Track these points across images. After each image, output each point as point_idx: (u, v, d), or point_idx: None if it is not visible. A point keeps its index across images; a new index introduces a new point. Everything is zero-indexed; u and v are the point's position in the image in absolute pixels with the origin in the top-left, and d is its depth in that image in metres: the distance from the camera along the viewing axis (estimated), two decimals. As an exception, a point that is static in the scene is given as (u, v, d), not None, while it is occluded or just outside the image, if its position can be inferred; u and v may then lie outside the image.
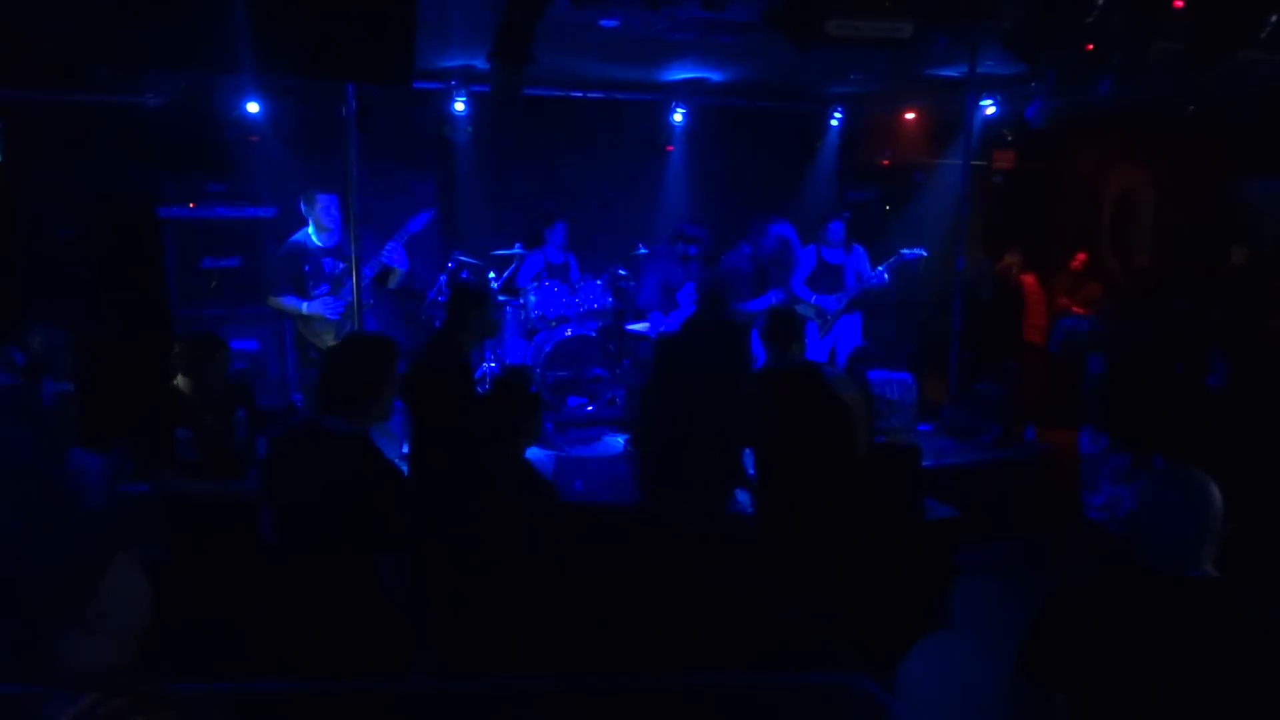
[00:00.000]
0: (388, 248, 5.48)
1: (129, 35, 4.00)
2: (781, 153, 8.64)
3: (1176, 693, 1.85)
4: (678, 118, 8.10)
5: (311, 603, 2.63)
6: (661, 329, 6.82)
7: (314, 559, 2.63)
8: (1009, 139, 8.31)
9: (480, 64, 5.60)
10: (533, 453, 6.35)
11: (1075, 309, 8.01)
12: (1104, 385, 5.39)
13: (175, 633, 1.67)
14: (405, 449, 5.79)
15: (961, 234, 6.71)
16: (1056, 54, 5.46)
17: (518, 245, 7.47)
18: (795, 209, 8.69)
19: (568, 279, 7.34)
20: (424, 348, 4.08)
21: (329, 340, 5.43)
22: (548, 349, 6.91)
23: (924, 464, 4.96)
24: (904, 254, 6.77)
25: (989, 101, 7.63)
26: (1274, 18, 4.83)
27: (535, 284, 7.10)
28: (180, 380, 3.78)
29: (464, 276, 7.30)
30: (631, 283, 7.60)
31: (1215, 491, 1.99)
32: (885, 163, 8.67)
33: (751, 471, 5.33)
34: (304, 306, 5.43)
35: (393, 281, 5.71)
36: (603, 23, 5.39)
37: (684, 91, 7.93)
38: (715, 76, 7.60)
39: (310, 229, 5.55)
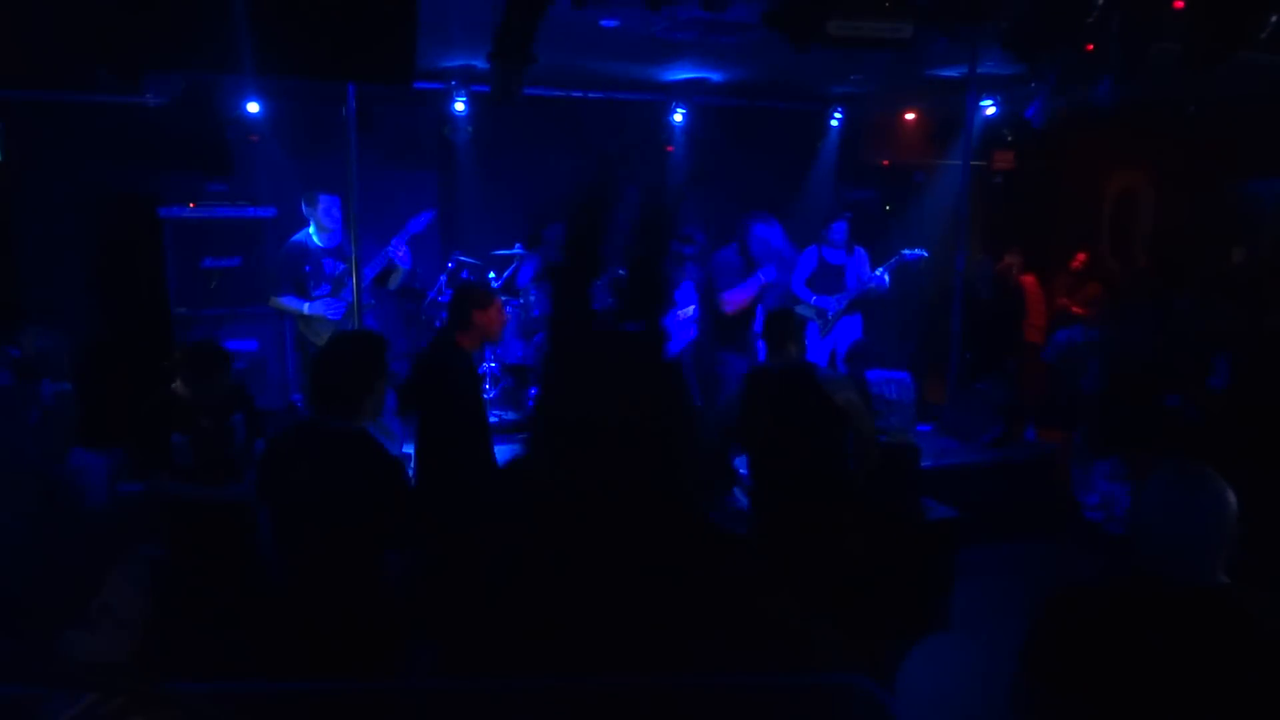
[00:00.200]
0: (393, 244, 5.48)
1: (129, 35, 4.00)
2: (781, 153, 8.63)
3: (1190, 708, 1.77)
4: (678, 118, 8.10)
5: (318, 603, 2.63)
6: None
7: (320, 558, 2.63)
8: (1009, 139, 8.30)
9: (480, 64, 5.59)
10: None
11: (1075, 309, 8.01)
12: (1103, 392, 5.37)
13: (175, 633, 1.67)
14: (405, 449, 5.81)
15: (961, 234, 6.71)
16: (1056, 54, 5.46)
17: (518, 245, 7.47)
18: (795, 209, 8.68)
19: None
20: (428, 349, 4.05)
21: (329, 340, 5.44)
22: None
23: (924, 464, 4.97)
24: (905, 254, 6.76)
25: (989, 101, 7.62)
26: (1274, 18, 4.83)
27: (535, 284, 7.10)
28: (178, 384, 3.76)
29: (464, 276, 7.31)
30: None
31: (1230, 495, 1.88)
32: (885, 163, 8.66)
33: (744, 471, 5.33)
34: (305, 307, 5.43)
35: (395, 281, 5.71)
36: (603, 23, 5.39)
37: (684, 91, 7.92)
38: (715, 76, 7.59)
39: (311, 229, 5.55)
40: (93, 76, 6.20)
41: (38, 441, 4.24)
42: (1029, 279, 8.17)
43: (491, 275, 7.38)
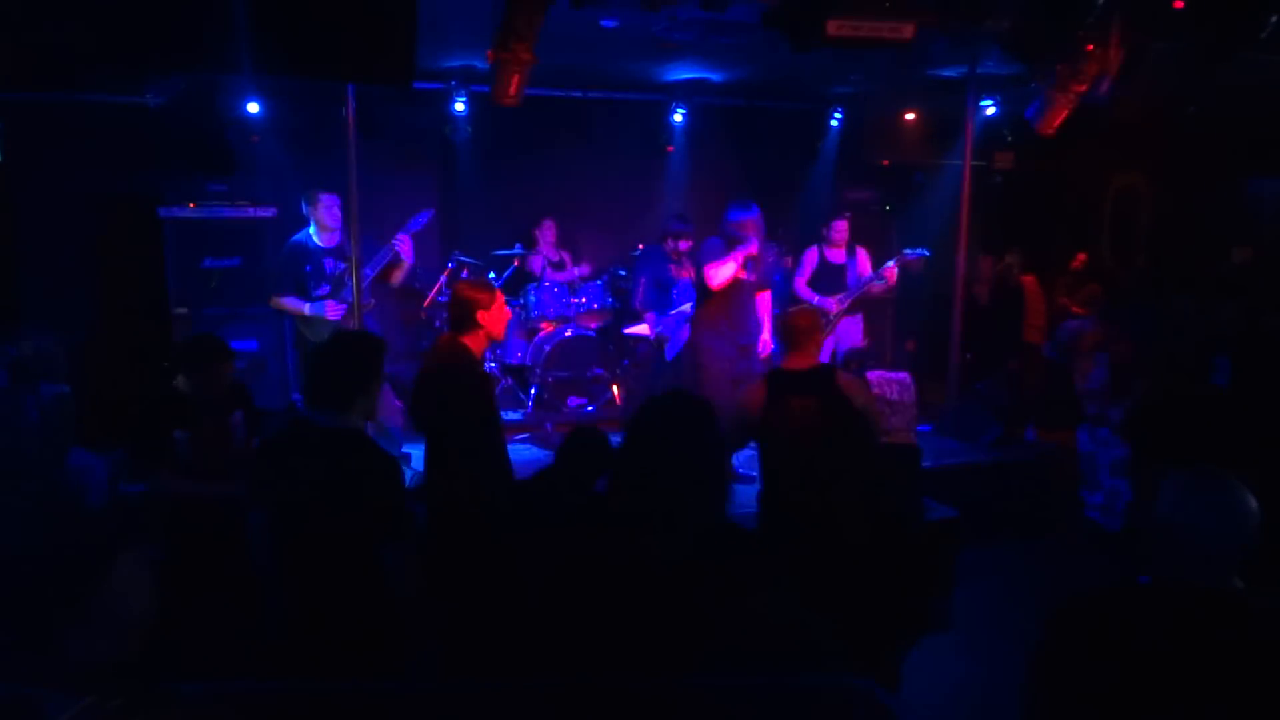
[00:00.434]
0: (397, 239, 5.48)
1: (129, 35, 4.00)
2: (781, 153, 8.63)
3: (1208, 715, 1.74)
4: (678, 118, 8.10)
5: (311, 600, 2.63)
6: (659, 330, 6.81)
7: (312, 556, 2.63)
8: (1009, 139, 8.30)
9: (480, 64, 5.60)
10: (533, 453, 6.39)
11: (1075, 309, 8.00)
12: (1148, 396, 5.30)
13: (176, 632, 1.67)
14: (405, 449, 5.81)
15: (961, 234, 6.70)
16: (1056, 54, 5.46)
17: (518, 245, 7.48)
18: (795, 209, 8.69)
19: (566, 274, 7.36)
20: (431, 358, 3.93)
21: (330, 340, 5.44)
22: (548, 349, 6.91)
23: (924, 464, 4.96)
24: (906, 253, 6.76)
25: (989, 101, 7.62)
26: (1274, 18, 4.83)
27: (535, 284, 7.11)
28: (181, 381, 3.77)
29: (464, 276, 7.31)
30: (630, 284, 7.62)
31: (1251, 500, 1.86)
32: (885, 163, 8.66)
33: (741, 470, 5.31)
34: (306, 308, 5.43)
35: (399, 278, 5.71)
36: (603, 23, 5.39)
37: (684, 91, 7.93)
38: (715, 76, 7.60)
39: (311, 229, 5.55)
40: (93, 76, 6.20)
41: (35, 443, 4.24)
42: (1029, 279, 8.17)
43: (491, 275, 7.39)
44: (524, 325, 7.16)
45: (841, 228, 6.85)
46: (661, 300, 6.80)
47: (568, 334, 6.98)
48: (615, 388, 7.30)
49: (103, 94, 6.34)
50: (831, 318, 6.82)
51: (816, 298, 6.82)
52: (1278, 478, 2.31)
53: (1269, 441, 4.05)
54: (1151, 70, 5.26)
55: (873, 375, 5.75)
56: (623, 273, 7.70)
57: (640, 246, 7.73)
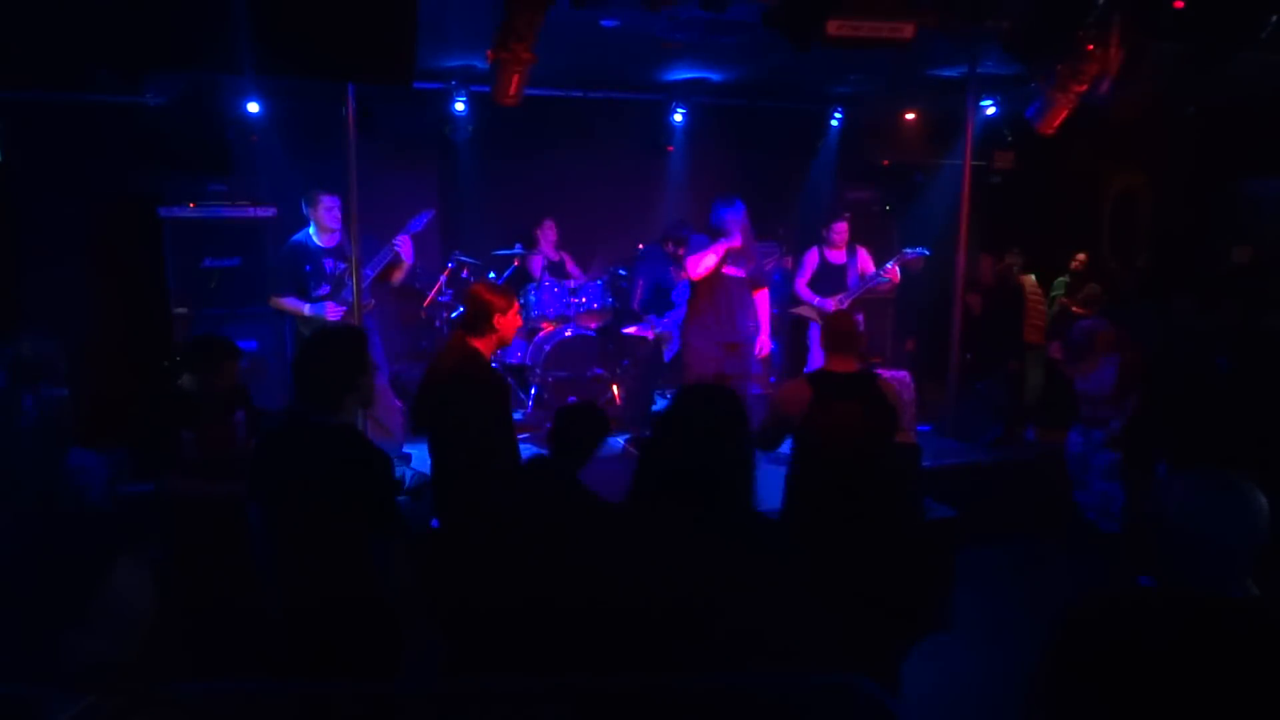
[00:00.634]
0: (397, 239, 5.48)
1: (129, 35, 4.00)
2: (781, 153, 8.63)
3: None
4: (678, 118, 8.10)
5: (305, 596, 2.63)
6: (659, 330, 6.82)
7: (304, 553, 2.63)
8: (1009, 139, 8.30)
9: (480, 64, 5.60)
10: (533, 452, 6.38)
11: (1075, 309, 8.00)
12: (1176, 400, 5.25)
13: (177, 632, 1.67)
14: (405, 449, 5.81)
15: (961, 234, 6.71)
16: (1056, 54, 5.46)
17: (518, 245, 7.48)
18: (795, 209, 8.69)
19: (565, 276, 7.36)
20: (443, 359, 3.89)
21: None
22: (548, 349, 6.91)
23: (924, 464, 4.97)
24: (907, 253, 6.76)
25: (989, 101, 7.62)
26: (1274, 18, 4.83)
27: (535, 284, 7.11)
28: (186, 380, 3.78)
29: (464, 277, 7.31)
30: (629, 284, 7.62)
31: (1263, 502, 1.80)
32: (885, 163, 8.66)
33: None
34: (306, 308, 5.43)
35: (399, 278, 5.71)
36: (603, 23, 5.39)
37: (684, 91, 7.93)
38: (715, 76, 7.60)
39: (311, 229, 5.55)
40: (93, 76, 6.20)
41: (35, 444, 4.25)
42: (1028, 279, 8.17)
43: (491, 275, 7.39)
44: (524, 325, 7.17)
45: (842, 229, 6.85)
46: (661, 302, 6.81)
47: (568, 334, 6.99)
48: (615, 388, 7.31)
49: (103, 94, 6.34)
50: (832, 318, 6.82)
51: (817, 299, 6.82)
52: (1277, 477, 2.30)
53: (1269, 442, 4.05)
54: (1151, 70, 5.26)
55: (873, 375, 5.76)
56: (623, 273, 7.71)
57: (640, 246, 7.74)
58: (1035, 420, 7.12)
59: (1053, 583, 5.19)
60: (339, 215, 5.47)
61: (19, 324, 4.77)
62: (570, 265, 7.61)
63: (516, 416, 6.87)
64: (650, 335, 7.17)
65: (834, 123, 8.67)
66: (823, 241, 6.92)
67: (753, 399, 5.90)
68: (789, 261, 7.70)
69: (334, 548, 2.62)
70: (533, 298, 7.04)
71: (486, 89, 5.61)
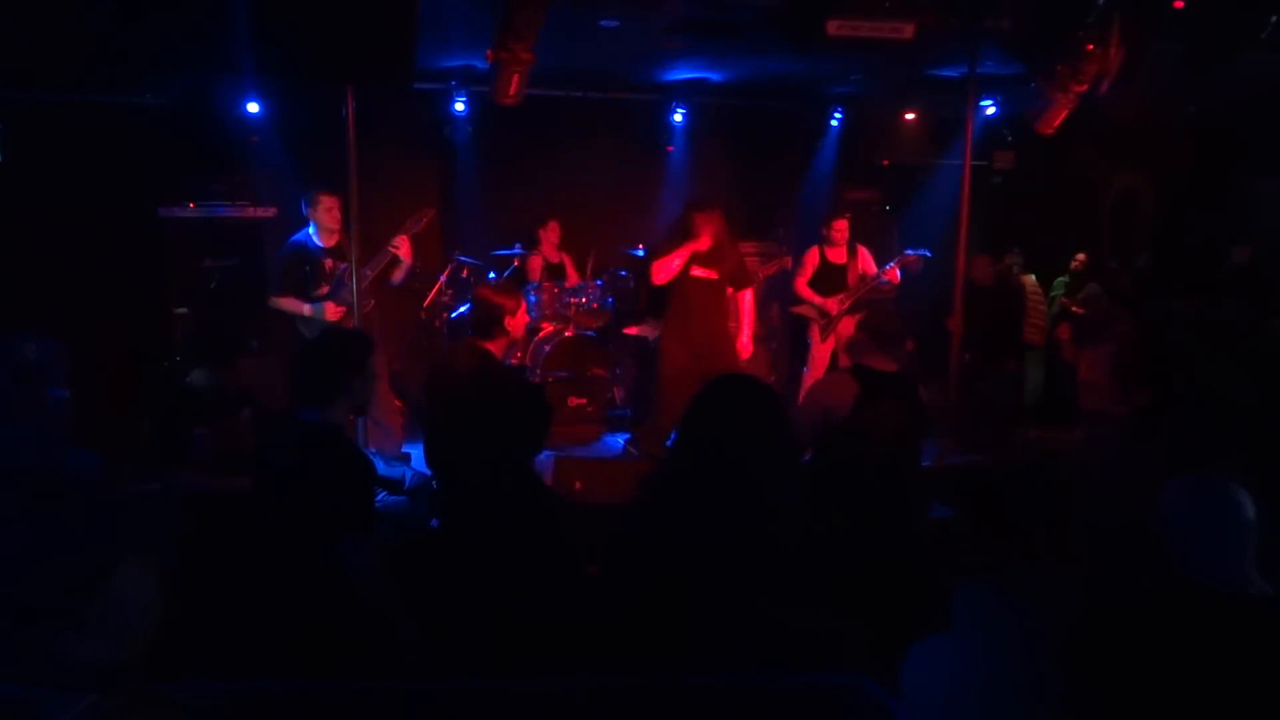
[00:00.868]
0: (396, 240, 5.48)
1: (129, 35, 4.01)
2: (781, 153, 8.63)
3: (1236, 714, 1.74)
4: (678, 118, 8.10)
5: (283, 591, 2.64)
6: (659, 331, 6.81)
7: (281, 547, 2.64)
8: (1009, 139, 8.30)
9: (480, 64, 5.60)
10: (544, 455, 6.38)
11: (1075, 309, 8.00)
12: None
13: (183, 633, 1.67)
14: (405, 449, 5.81)
15: (961, 234, 6.70)
16: (1056, 54, 5.46)
17: (518, 245, 7.48)
18: (795, 209, 8.68)
19: (565, 278, 7.35)
20: (458, 358, 3.89)
21: (329, 340, 5.43)
22: (548, 349, 6.91)
23: (924, 464, 4.96)
24: (908, 253, 6.75)
25: (989, 101, 7.62)
26: (1274, 18, 4.83)
27: (535, 284, 7.11)
28: (196, 376, 3.79)
29: (464, 277, 7.31)
30: (631, 284, 7.60)
31: (1245, 500, 1.89)
32: (885, 162, 8.66)
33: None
34: (306, 308, 5.42)
35: (398, 278, 5.70)
36: (603, 23, 5.39)
37: (684, 91, 7.93)
38: (715, 76, 7.60)
39: (311, 229, 5.54)
40: (93, 76, 6.20)
41: (36, 444, 4.24)
42: (1029, 279, 8.17)
43: (492, 275, 7.39)
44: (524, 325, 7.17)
45: (842, 227, 6.84)
46: (660, 303, 6.81)
47: (568, 334, 6.98)
48: (615, 388, 7.30)
49: (103, 94, 6.34)
50: (833, 318, 6.82)
51: (817, 298, 6.82)
52: (1278, 478, 2.31)
53: (1270, 442, 4.05)
54: (1151, 70, 5.25)
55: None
56: (623, 273, 7.70)
57: (641, 247, 7.73)
58: (1035, 420, 7.12)
59: (1053, 583, 5.19)
60: (339, 216, 5.47)
61: (20, 324, 4.76)
62: (570, 269, 7.60)
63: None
64: (651, 335, 7.17)
65: (834, 123, 8.66)
66: (823, 240, 6.91)
67: None
68: (789, 261, 7.70)
69: (301, 546, 2.62)
70: (532, 298, 7.04)
71: (486, 89, 5.61)
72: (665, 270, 5.45)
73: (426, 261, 7.20)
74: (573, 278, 7.48)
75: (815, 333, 6.90)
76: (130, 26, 4.05)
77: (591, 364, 7.13)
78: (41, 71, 6.09)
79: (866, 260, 6.89)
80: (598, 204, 8.13)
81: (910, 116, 8.24)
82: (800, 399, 6.91)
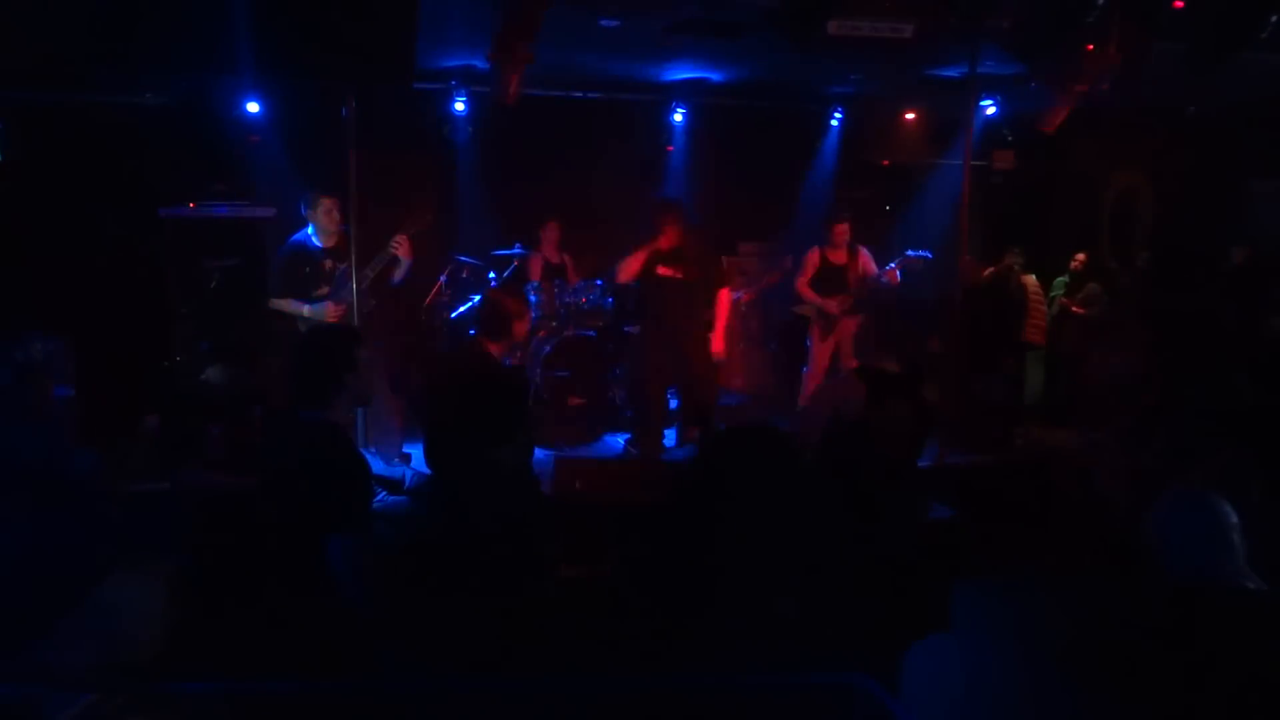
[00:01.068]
0: (395, 240, 5.48)
1: (129, 35, 4.01)
2: (781, 153, 8.63)
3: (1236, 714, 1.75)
4: (678, 118, 8.10)
5: (265, 590, 2.64)
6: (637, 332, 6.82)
7: (273, 545, 2.64)
8: (1009, 139, 8.29)
9: (480, 64, 5.60)
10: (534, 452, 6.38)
11: (1075, 309, 8.00)
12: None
13: (189, 633, 1.68)
14: (405, 449, 5.81)
15: (962, 234, 6.70)
16: (1056, 54, 5.46)
17: (517, 245, 7.47)
18: (795, 209, 8.68)
19: (565, 278, 7.35)
20: (462, 364, 3.95)
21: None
22: (548, 349, 6.90)
23: (924, 464, 4.97)
24: (908, 254, 6.75)
25: (989, 101, 7.62)
26: (1274, 18, 4.83)
27: (535, 284, 7.11)
28: (212, 373, 3.79)
29: (464, 277, 7.31)
30: (632, 284, 7.60)
31: (1225, 508, 2.00)
32: (885, 163, 8.66)
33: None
34: (306, 309, 5.42)
35: (398, 277, 5.71)
36: (603, 22, 5.39)
37: (684, 91, 7.93)
38: (715, 76, 7.59)
39: (311, 230, 5.54)
40: (93, 76, 6.20)
41: (38, 443, 4.24)
42: (1029, 279, 8.17)
43: (491, 275, 7.39)
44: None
45: (843, 229, 6.84)
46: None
47: (567, 334, 6.98)
48: (615, 388, 7.30)
49: (103, 94, 6.34)
50: (833, 318, 6.82)
51: (818, 298, 6.81)
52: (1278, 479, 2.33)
53: (1271, 442, 4.05)
54: (1151, 70, 5.26)
55: (872, 375, 5.75)
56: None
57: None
58: (1035, 420, 7.12)
59: (1053, 583, 5.19)
60: (338, 217, 5.46)
61: (22, 323, 4.77)
62: (570, 270, 7.59)
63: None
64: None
65: (834, 123, 8.66)
66: (824, 242, 6.91)
67: (722, 409, 5.93)
68: (789, 261, 7.70)
69: (291, 543, 2.62)
70: (532, 298, 7.04)
71: (486, 89, 5.62)
72: (626, 269, 5.50)
73: (426, 262, 7.20)
74: (573, 278, 7.48)
75: (815, 333, 6.90)
76: (130, 26, 4.05)
77: (591, 364, 7.12)
78: (41, 71, 6.09)
79: (867, 261, 6.89)
80: (597, 204, 8.13)
81: (910, 116, 8.24)
82: (800, 399, 6.93)
